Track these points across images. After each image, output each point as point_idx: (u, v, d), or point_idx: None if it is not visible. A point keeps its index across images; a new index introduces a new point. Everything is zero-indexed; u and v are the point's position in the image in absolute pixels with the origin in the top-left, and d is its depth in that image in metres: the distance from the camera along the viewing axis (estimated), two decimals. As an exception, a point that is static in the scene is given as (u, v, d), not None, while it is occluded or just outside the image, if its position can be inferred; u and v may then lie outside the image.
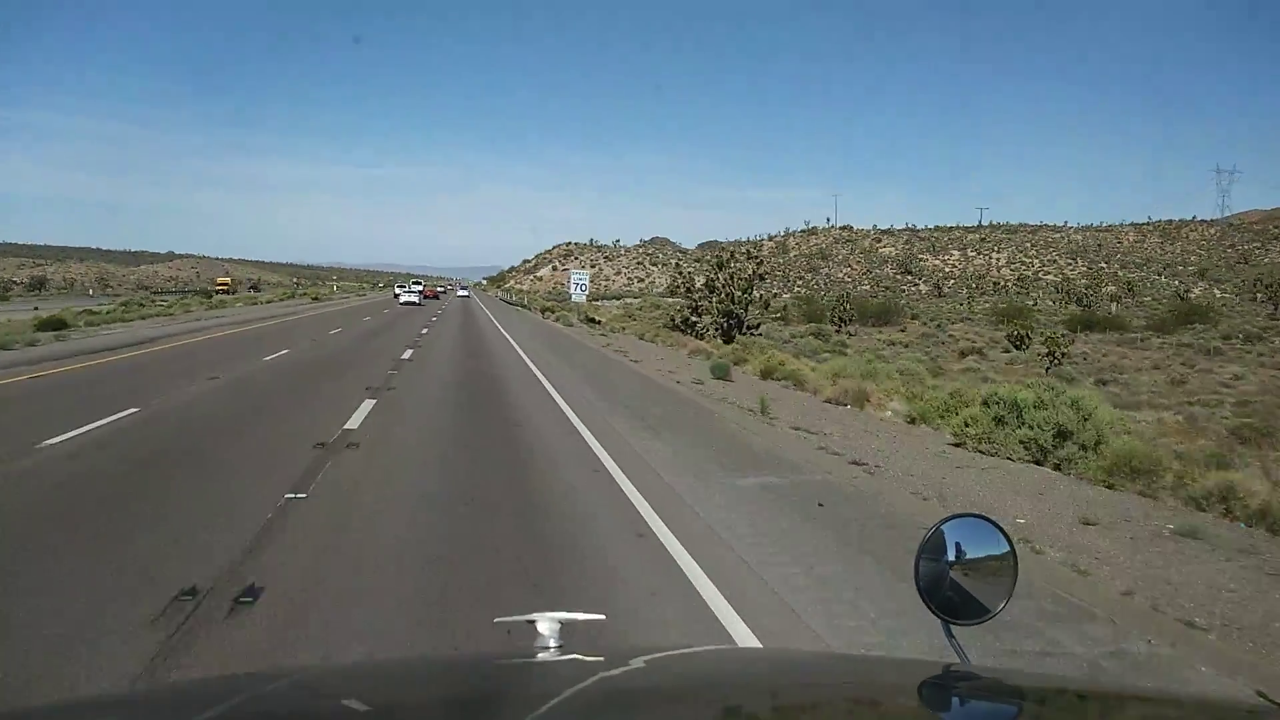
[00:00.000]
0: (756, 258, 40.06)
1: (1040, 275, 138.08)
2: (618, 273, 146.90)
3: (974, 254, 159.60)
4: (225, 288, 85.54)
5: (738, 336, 38.49)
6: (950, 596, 1.70)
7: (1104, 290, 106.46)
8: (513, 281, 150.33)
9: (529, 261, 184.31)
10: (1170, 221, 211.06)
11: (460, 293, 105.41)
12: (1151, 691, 2.28)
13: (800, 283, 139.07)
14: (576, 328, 39.69)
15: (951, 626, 1.70)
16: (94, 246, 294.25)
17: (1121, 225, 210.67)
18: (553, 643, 1.54)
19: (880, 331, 62.87)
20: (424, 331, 30.53)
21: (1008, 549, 1.73)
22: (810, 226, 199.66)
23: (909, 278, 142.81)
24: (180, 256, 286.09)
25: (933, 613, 1.69)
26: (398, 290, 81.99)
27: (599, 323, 45.00)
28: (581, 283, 46.41)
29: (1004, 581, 1.71)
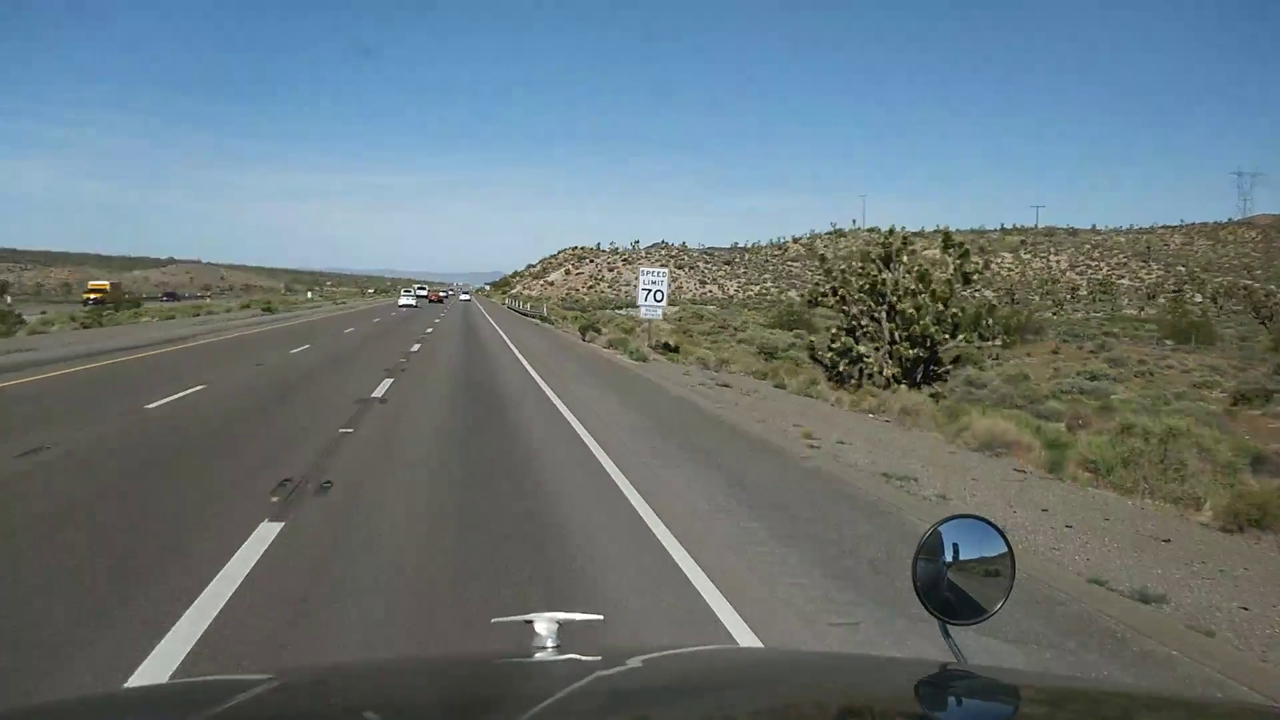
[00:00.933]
0: (958, 244, 23.97)
1: (1113, 279, 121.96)
2: (638, 277, 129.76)
3: (1029, 256, 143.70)
4: (98, 296, 57.29)
5: (906, 382, 22.66)
6: (948, 597, 1.67)
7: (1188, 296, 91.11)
8: (520, 287, 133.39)
9: (534, 266, 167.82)
10: (1205, 224, 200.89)
11: (462, 297, 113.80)
12: (1151, 691, 2.16)
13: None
14: (658, 366, 23.66)
15: (949, 626, 1.67)
16: (94, 252, 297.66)
17: (1154, 228, 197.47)
18: (550, 643, 1.50)
19: (1028, 353, 47.11)
20: (376, 395, 14.46)
21: (1005, 550, 1.70)
22: (837, 228, 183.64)
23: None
24: (178, 262, 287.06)
25: (930, 613, 1.66)
26: (403, 293, 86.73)
27: (676, 349, 29.06)
28: (657, 288, 29.87)
29: (1001, 582, 1.69)
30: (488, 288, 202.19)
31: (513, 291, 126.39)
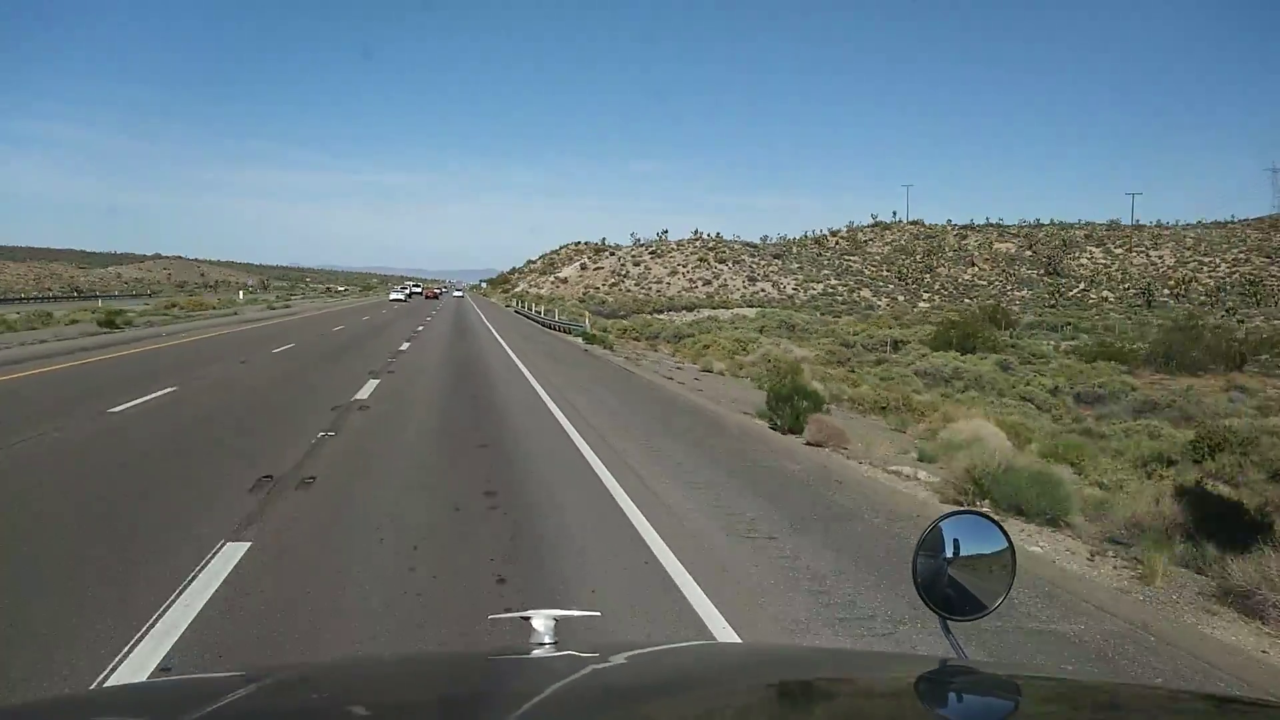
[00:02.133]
0: None
1: (1246, 277, 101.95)
2: (671, 273, 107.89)
3: (1121, 250, 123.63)
4: None
5: None
6: (948, 593, 1.64)
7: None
8: (524, 285, 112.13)
9: (534, 263, 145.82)
10: (1263, 219, 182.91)
11: (455, 294, 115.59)
12: (1151, 687, 2.09)
13: (923, 287, 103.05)
14: None
15: (949, 622, 1.65)
16: (76, 248, 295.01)
17: (1200, 223, 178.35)
18: (547, 639, 1.50)
19: None
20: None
21: (1006, 546, 1.67)
22: (877, 220, 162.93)
23: (1059, 280, 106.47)
24: (162, 258, 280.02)
25: (930, 608, 1.64)
26: (394, 290, 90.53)
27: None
28: None
29: (1002, 578, 1.66)
30: (484, 285, 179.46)
31: (517, 290, 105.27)
